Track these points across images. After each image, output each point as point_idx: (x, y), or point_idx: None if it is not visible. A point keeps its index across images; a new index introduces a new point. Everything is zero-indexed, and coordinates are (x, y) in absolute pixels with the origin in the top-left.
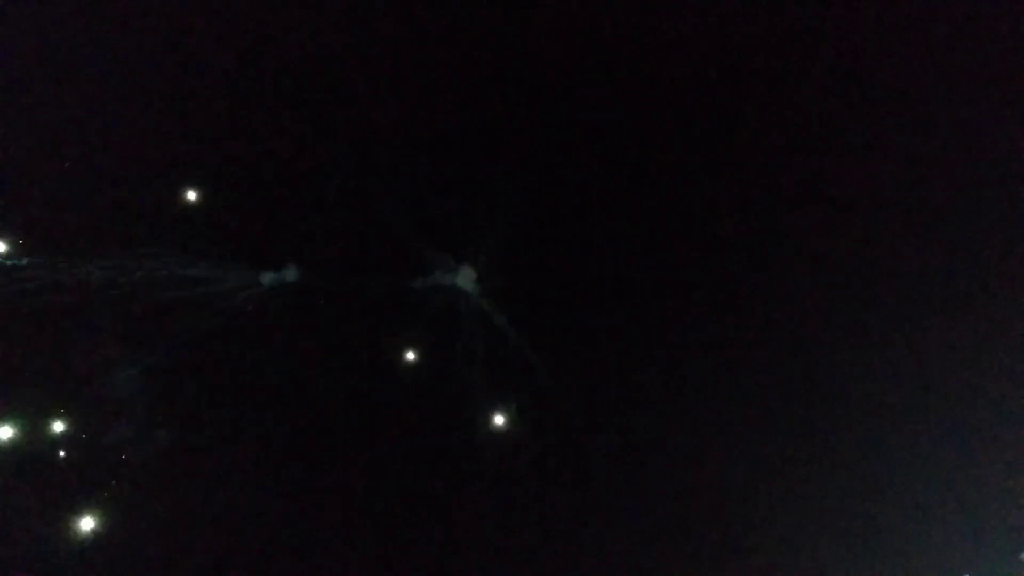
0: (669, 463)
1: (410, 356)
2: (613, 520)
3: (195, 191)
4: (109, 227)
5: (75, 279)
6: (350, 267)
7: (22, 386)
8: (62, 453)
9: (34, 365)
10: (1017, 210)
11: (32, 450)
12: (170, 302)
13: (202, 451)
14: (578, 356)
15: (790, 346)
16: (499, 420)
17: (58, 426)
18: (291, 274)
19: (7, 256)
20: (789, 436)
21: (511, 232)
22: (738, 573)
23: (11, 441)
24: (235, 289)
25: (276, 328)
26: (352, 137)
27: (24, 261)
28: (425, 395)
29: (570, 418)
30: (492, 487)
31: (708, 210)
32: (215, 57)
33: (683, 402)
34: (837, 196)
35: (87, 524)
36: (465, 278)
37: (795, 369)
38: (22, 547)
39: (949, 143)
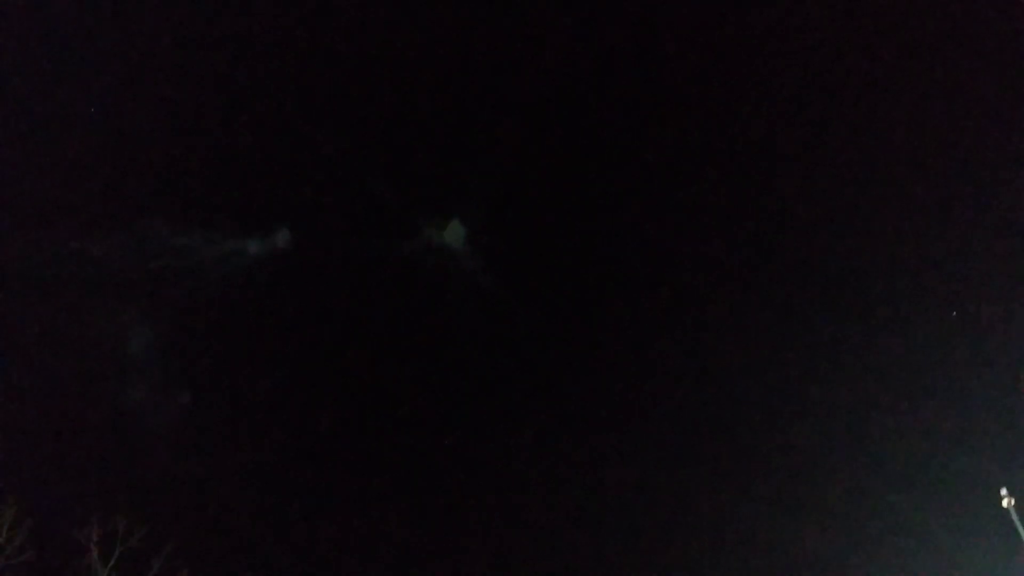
0: (661, 423)
1: (402, 318)
2: (608, 490)
3: (182, 160)
4: (102, 198)
5: (71, 252)
6: (340, 229)
7: (28, 354)
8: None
9: (37, 335)
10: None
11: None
12: (167, 271)
13: (198, 419)
14: (565, 312)
15: (793, 334)
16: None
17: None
18: (282, 238)
19: (7, 232)
20: (792, 424)
21: (499, 190)
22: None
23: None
24: (225, 255)
25: (267, 293)
26: (341, 103)
27: (23, 237)
28: (415, 354)
29: (560, 379)
30: (487, 450)
31: (705, 179)
32: (203, 31)
33: (679, 363)
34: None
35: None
36: (454, 234)
37: (802, 358)
38: None
39: (947, 144)
